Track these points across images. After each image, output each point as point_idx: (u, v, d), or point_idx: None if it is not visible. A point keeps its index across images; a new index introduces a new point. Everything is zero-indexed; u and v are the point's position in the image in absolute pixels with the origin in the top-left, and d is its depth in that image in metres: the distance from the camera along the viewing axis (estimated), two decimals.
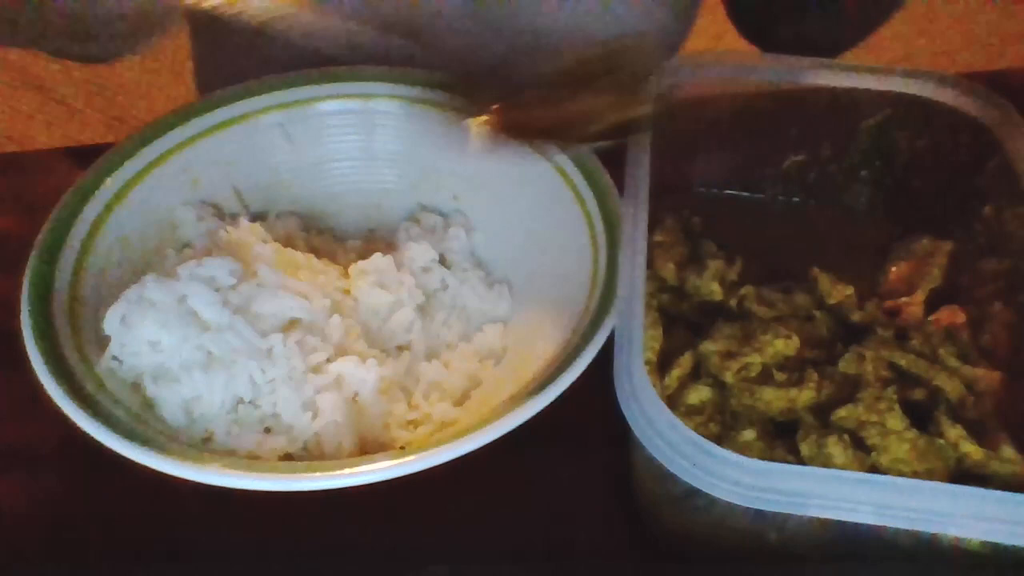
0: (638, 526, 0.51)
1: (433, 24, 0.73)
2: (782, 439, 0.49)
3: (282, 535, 0.52)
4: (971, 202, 0.57)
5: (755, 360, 0.50)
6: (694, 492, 0.41)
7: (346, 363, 0.54)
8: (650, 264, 0.56)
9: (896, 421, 0.47)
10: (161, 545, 0.52)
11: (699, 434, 0.41)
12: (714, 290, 0.55)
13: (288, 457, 0.52)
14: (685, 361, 0.52)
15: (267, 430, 0.53)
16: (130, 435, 0.47)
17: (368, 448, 0.54)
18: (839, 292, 0.55)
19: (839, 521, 0.40)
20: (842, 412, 0.48)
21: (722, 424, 0.50)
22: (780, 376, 0.50)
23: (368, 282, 0.59)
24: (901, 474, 0.46)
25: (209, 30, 0.80)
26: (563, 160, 0.61)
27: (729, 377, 0.50)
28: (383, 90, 0.67)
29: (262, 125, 0.65)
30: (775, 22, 0.76)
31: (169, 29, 0.53)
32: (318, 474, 0.45)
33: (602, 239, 0.57)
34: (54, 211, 0.57)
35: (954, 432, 0.47)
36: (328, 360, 0.54)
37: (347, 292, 0.59)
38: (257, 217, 0.64)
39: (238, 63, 0.69)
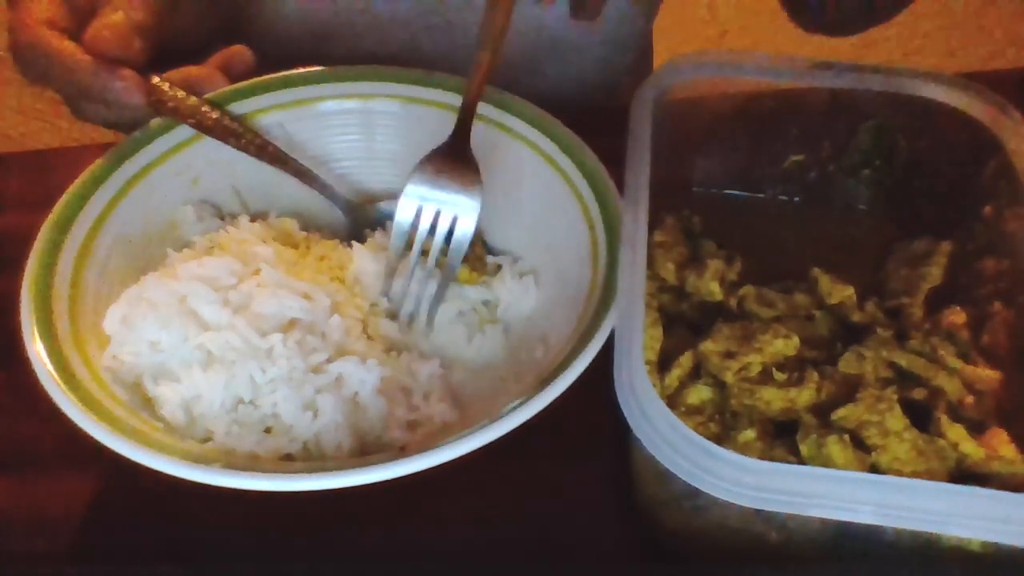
0: (638, 526, 0.51)
1: None
2: (782, 439, 0.49)
3: (282, 535, 0.52)
4: (971, 202, 0.57)
5: (755, 360, 0.50)
6: (694, 492, 0.41)
7: (346, 363, 0.54)
8: (650, 264, 0.56)
9: (896, 421, 0.47)
10: (161, 545, 0.52)
11: (699, 434, 0.41)
12: (714, 290, 0.55)
13: (288, 457, 0.52)
14: (685, 361, 0.51)
15: (267, 430, 0.53)
16: (130, 435, 0.47)
17: (368, 448, 0.54)
18: (839, 292, 0.55)
19: (839, 521, 0.40)
20: (842, 412, 0.48)
21: (722, 424, 0.50)
22: (780, 376, 0.50)
23: (367, 280, 0.59)
24: (901, 474, 0.46)
25: None
26: (563, 160, 0.61)
27: (729, 377, 0.50)
28: (383, 90, 0.67)
29: (262, 125, 0.64)
30: None
31: None
32: (318, 474, 0.45)
33: (602, 239, 0.56)
34: (54, 211, 0.57)
35: (954, 432, 0.47)
36: (328, 360, 0.54)
37: (351, 293, 0.59)
38: (257, 217, 0.64)
39: None
